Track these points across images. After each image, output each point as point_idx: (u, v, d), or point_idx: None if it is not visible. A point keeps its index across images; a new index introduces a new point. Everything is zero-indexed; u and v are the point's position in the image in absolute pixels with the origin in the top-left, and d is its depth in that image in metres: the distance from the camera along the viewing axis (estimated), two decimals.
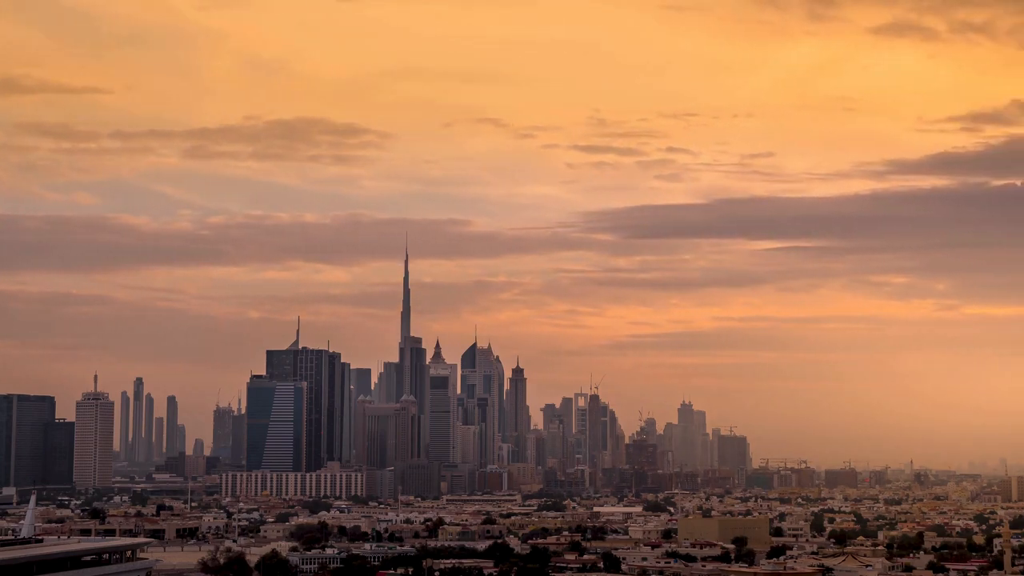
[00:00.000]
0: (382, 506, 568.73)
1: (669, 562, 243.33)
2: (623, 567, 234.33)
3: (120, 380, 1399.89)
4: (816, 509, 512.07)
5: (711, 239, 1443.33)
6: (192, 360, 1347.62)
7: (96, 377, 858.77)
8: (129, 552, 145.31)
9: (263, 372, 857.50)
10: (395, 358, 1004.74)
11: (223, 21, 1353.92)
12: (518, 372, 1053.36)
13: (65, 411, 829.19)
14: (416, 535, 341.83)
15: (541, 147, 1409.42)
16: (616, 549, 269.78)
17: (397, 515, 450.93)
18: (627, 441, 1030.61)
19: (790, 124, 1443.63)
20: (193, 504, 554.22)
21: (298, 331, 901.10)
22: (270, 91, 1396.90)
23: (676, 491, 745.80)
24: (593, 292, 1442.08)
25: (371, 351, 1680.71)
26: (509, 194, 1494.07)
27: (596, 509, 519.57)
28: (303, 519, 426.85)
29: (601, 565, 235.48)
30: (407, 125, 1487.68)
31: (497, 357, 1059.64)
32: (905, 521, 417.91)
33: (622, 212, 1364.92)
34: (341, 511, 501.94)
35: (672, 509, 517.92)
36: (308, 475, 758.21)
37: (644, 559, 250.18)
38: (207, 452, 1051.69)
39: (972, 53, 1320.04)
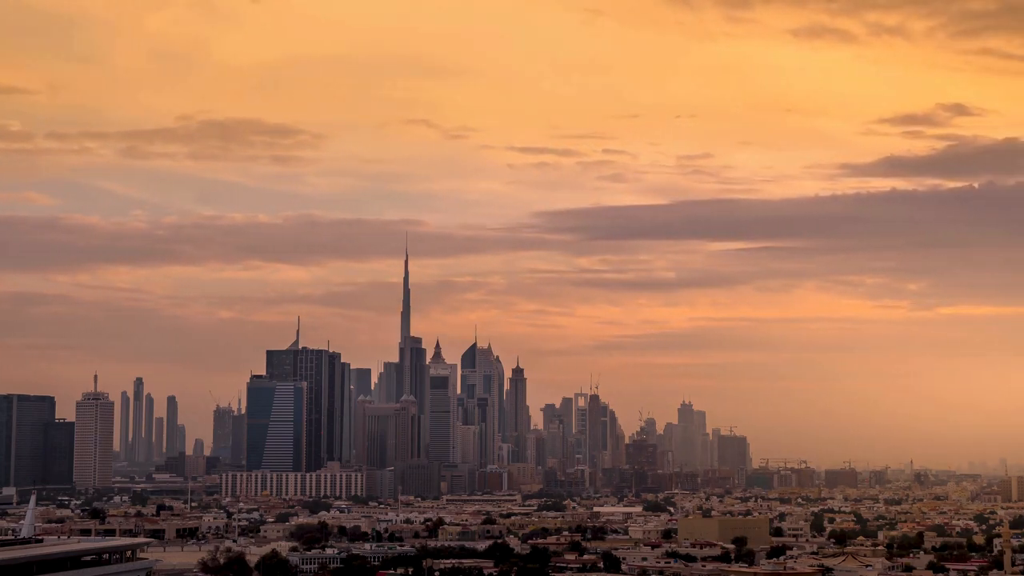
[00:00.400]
0: (382, 506, 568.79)
1: (669, 562, 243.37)
2: (623, 567, 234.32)
3: (120, 380, 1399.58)
4: (816, 509, 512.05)
5: (671, 240, 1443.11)
6: (168, 361, 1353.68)
7: (96, 377, 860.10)
8: (129, 552, 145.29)
9: (263, 372, 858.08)
10: (389, 358, 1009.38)
11: (132, 9, 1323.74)
12: (518, 372, 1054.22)
13: (65, 411, 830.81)
14: (416, 535, 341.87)
15: (478, 147, 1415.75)
16: (616, 549, 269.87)
17: (397, 515, 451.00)
18: (627, 441, 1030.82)
19: (730, 125, 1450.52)
20: (193, 504, 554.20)
21: (298, 331, 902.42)
22: (194, 87, 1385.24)
23: (676, 491, 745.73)
24: (561, 292, 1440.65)
25: (366, 351, 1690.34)
26: (458, 193, 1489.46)
27: (596, 509, 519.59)
28: (303, 519, 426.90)
29: (601, 565, 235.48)
30: (340, 123, 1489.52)
31: (497, 357, 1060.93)
32: (905, 521, 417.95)
33: (580, 212, 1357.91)
34: (341, 511, 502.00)
35: (672, 509, 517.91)
36: (308, 475, 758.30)
37: (644, 559, 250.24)
38: (207, 452, 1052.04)
39: (893, 55, 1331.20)
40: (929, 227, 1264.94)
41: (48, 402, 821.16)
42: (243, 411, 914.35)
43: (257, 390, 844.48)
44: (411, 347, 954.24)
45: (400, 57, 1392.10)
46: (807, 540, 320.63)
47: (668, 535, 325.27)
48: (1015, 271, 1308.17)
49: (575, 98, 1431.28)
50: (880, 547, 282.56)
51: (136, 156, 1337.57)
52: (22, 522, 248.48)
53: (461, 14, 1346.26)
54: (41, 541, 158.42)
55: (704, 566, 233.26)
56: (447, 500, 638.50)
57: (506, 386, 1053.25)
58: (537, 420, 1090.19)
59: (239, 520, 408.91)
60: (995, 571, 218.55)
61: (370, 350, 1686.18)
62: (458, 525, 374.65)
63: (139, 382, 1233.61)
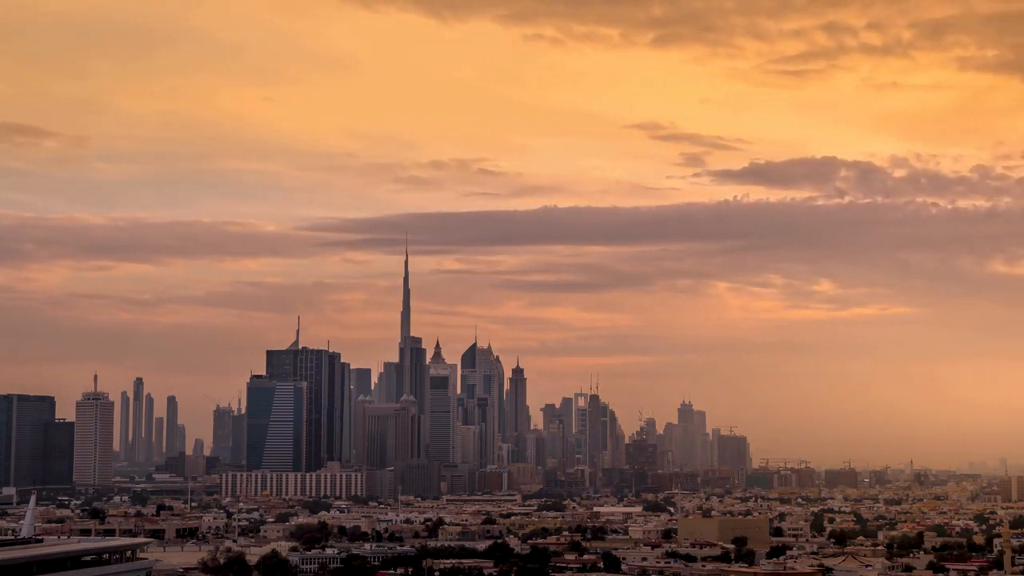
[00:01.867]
0: (382, 506, 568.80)
1: (669, 562, 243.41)
2: (623, 567, 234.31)
3: (119, 381, 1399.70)
4: (816, 509, 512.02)
5: (537, 244, 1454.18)
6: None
7: (96, 377, 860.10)
8: (129, 552, 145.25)
9: (263, 372, 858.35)
10: (386, 359, 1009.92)
11: None
12: (518, 372, 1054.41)
13: (65, 411, 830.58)
14: (416, 535, 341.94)
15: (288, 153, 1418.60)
16: (616, 549, 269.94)
17: (397, 515, 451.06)
18: (627, 441, 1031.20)
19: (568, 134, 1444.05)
20: (193, 504, 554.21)
21: (298, 331, 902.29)
22: None
23: (676, 491, 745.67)
24: (448, 292, 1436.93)
25: (366, 351, 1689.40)
26: (291, 194, 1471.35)
27: (596, 509, 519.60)
28: (303, 519, 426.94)
29: (601, 565, 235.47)
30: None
31: (497, 357, 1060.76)
32: (905, 521, 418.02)
33: (440, 217, 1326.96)
34: (341, 511, 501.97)
35: (672, 509, 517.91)
36: (308, 475, 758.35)
37: (644, 559, 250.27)
38: (207, 452, 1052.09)
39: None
40: (825, 231, 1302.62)
41: (48, 402, 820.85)
42: (243, 411, 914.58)
43: (257, 390, 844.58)
44: (411, 347, 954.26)
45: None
46: (807, 540, 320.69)
47: (668, 535, 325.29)
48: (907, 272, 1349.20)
49: (386, 107, 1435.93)
50: (880, 547, 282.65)
51: None
52: (22, 522, 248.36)
53: None
54: (41, 541, 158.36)
55: (704, 566, 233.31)
56: (447, 500, 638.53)
57: (506, 386, 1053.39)
58: (537, 420, 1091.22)
59: (239, 520, 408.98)
60: (995, 571, 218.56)
61: (370, 350, 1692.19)
62: (458, 525, 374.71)
63: (139, 382, 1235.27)
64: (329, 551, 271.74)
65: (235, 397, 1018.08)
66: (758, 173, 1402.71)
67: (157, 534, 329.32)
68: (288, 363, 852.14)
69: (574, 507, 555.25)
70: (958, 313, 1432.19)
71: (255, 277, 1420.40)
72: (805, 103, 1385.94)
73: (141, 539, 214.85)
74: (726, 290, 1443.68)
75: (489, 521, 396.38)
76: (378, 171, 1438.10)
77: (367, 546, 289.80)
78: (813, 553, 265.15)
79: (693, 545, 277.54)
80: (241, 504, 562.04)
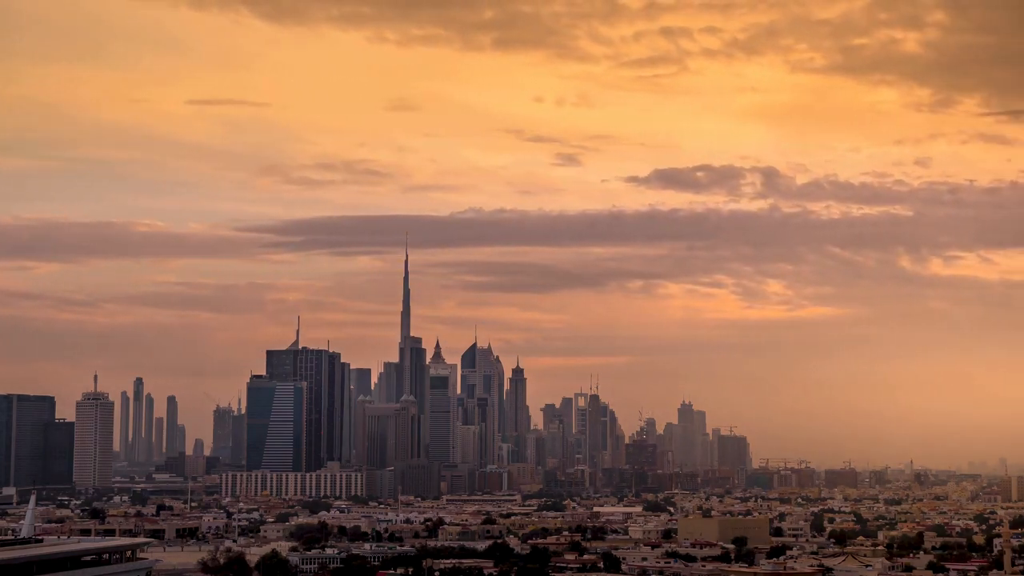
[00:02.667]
0: (382, 506, 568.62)
1: (669, 562, 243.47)
2: (623, 567, 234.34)
3: (119, 380, 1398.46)
4: (816, 509, 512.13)
5: (489, 247, 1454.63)
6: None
7: (96, 377, 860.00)
8: (129, 552, 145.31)
9: (263, 372, 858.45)
10: (386, 359, 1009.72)
11: None
12: (518, 372, 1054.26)
13: (65, 411, 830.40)
14: (416, 535, 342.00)
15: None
16: (616, 549, 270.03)
17: (397, 515, 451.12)
18: (627, 441, 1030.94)
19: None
20: (193, 504, 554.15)
21: (298, 331, 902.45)
22: None
23: (676, 491, 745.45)
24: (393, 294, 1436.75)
25: (366, 351, 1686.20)
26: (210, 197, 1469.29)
27: (596, 509, 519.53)
28: (303, 519, 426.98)
29: (601, 565, 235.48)
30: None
31: (497, 357, 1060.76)
32: (905, 521, 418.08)
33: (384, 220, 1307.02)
34: (341, 511, 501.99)
35: (672, 509, 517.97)
36: (308, 475, 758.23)
37: (644, 559, 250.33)
38: (207, 452, 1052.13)
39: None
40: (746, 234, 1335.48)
41: (48, 402, 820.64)
42: (243, 411, 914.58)
43: (257, 390, 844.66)
44: (411, 347, 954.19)
45: None
46: (807, 540, 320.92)
47: (668, 535, 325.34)
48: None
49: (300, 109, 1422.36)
50: (880, 547, 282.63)
51: None
52: (22, 522, 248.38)
53: None
54: (41, 541, 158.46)
55: (704, 566, 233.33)
56: (447, 500, 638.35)
57: (506, 386, 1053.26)
58: (537, 420, 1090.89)
59: (239, 520, 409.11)
60: (995, 571, 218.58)
61: (370, 350, 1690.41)
62: (458, 525, 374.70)
63: (139, 382, 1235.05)
64: (329, 551, 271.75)
65: (235, 397, 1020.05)
66: (666, 178, 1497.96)
67: (157, 534, 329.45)
68: (288, 363, 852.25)
69: (574, 507, 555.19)
70: (909, 311, 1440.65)
71: (186, 276, 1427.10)
72: (668, 105, 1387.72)
73: (141, 539, 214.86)
74: (685, 291, 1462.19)
75: (489, 521, 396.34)
76: (267, 171, 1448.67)
77: (367, 546, 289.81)
78: (813, 553, 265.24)
79: (693, 545, 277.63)
80: (241, 504, 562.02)
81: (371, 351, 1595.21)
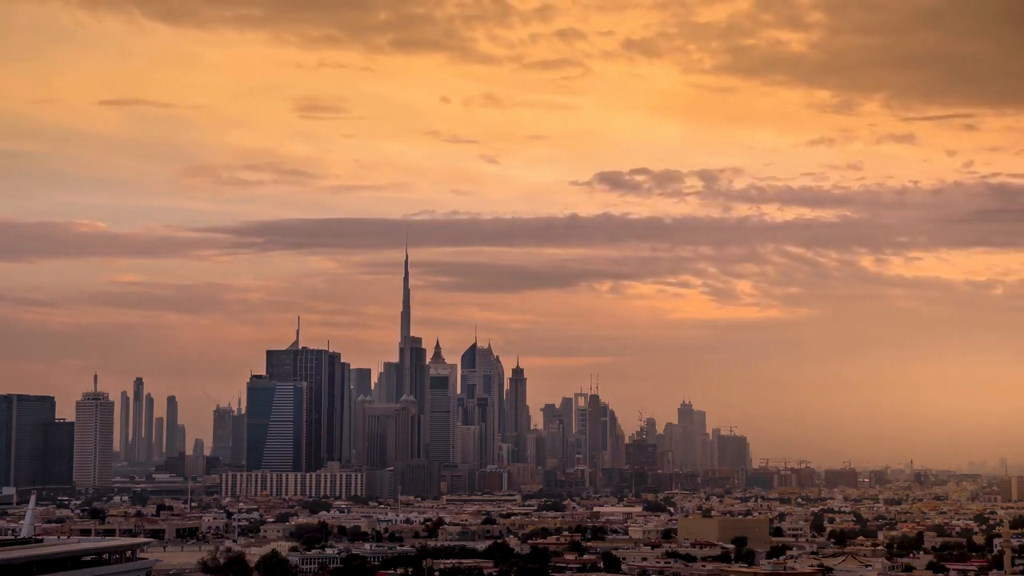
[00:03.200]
0: (382, 506, 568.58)
1: (669, 562, 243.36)
2: (623, 567, 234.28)
3: (119, 380, 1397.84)
4: (816, 509, 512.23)
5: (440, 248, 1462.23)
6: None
7: (96, 377, 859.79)
8: (129, 552, 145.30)
9: (263, 372, 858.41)
10: (386, 359, 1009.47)
11: None
12: (518, 372, 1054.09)
13: (65, 411, 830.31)
14: (416, 535, 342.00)
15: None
16: (616, 549, 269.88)
17: (397, 515, 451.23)
18: (627, 441, 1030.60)
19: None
20: (193, 504, 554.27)
21: (298, 331, 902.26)
22: None
23: (676, 491, 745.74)
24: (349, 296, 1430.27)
25: (366, 351, 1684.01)
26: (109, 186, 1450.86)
27: (596, 509, 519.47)
28: (303, 519, 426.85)
29: (601, 565, 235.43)
30: None
31: (497, 357, 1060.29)
32: (905, 521, 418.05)
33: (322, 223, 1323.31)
34: (341, 511, 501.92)
35: (672, 509, 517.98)
36: (308, 475, 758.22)
37: (644, 559, 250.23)
38: (207, 452, 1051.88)
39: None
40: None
41: (48, 402, 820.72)
42: (243, 411, 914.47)
43: (257, 390, 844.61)
44: (411, 347, 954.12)
45: None
46: (807, 540, 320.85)
47: (668, 535, 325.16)
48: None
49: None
50: (880, 547, 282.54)
51: None
52: (22, 522, 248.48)
53: None
54: (41, 541, 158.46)
55: (704, 566, 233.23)
56: (447, 500, 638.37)
57: (506, 386, 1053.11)
58: (537, 420, 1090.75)
59: (239, 520, 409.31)
60: (995, 571, 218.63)
61: (370, 350, 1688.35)
62: (458, 525, 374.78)
63: (139, 382, 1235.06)
64: (329, 551, 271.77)
65: (235, 397, 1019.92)
66: (610, 180, 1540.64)
67: (157, 534, 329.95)
68: (288, 363, 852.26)
69: (574, 507, 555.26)
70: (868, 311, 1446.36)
71: (143, 276, 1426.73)
72: (581, 107, 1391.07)
73: (141, 539, 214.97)
74: (656, 291, 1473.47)
75: (489, 521, 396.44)
76: (195, 171, 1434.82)
77: (367, 546, 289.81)
78: (813, 553, 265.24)
79: (693, 545, 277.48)
80: (241, 504, 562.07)
81: (371, 351, 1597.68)
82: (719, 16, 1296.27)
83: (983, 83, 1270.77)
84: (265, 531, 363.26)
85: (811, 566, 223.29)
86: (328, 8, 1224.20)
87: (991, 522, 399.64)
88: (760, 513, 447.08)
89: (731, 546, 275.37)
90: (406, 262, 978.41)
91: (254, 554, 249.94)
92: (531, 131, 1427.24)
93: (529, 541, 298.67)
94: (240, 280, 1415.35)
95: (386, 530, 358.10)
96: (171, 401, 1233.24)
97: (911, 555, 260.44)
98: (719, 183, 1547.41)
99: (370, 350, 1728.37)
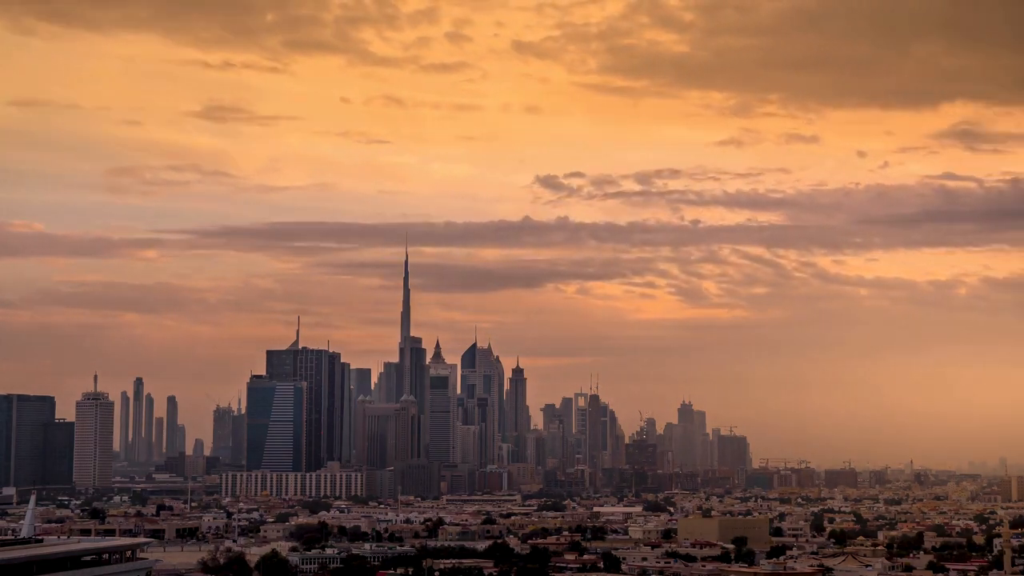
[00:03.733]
0: (382, 506, 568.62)
1: (669, 562, 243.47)
2: (623, 567, 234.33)
3: (119, 380, 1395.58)
4: (816, 509, 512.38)
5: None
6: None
7: (96, 377, 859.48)
8: (129, 552, 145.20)
9: (263, 372, 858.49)
10: (389, 358, 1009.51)
11: None
12: (518, 372, 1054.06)
13: (65, 411, 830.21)
14: (416, 535, 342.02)
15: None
16: (616, 549, 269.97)
17: (397, 515, 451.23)
18: (627, 441, 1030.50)
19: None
20: (193, 504, 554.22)
21: (298, 331, 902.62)
22: None
23: (676, 491, 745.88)
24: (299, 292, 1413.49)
25: (366, 351, 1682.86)
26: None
27: (596, 509, 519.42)
28: (303, 519, 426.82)
29: (601, 565, 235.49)
30: None
31: (497, 357, 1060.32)
32: (905, 521, 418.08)
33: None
34: (341, 511, 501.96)
35: (672, 509, 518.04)
36: (308, 475, 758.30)
37: (644, 559, 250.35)
38: (207, 452, 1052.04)
39: None
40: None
41: (48, 402, 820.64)
42: (243, 411, 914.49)
43: (257, 390, 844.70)
44: (411, 347, 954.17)
45: None
46: (807, 540, 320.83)
47: (668, 535, 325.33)
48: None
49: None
50: (880, 547, 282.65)
51: None
52: (22, 522, 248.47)
53: None
54: (41, 541, 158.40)
55: (704, 566, 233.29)
56: (447, 500, 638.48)
57: (506, 386, 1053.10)
58: (537, 420, 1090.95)
59: (239, 520, 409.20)
60: (995, 571, 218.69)
61: (370, 350, 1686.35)
62: (458, 525, 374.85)
63: (139, 382, 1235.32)
64: (329, 551, 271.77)
65: (235, 397, 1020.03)
66: (549, 184, 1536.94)
67: (157, 534, 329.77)
68: (288, 363, 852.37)
69: (574, 507, 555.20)
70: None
71: (96, 276, 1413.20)
72: (486, 107, 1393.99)
73: (141, 539, 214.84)
74: (623, 291, 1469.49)
75: (489, 521, 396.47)
76: (120, 172, 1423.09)
77: (367, 546, 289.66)
78: (813, 553, 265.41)
79: (693, 545, 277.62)
80: (241, 504, 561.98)
81: (371, 351, 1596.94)
82: (596, 18, 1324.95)
83: (876, 84, 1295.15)
84: (265, 531, 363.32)
85: (811, 566, 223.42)
86: (211, 10, 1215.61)
87: (991, 522, 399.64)
88: (760, 513, 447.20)
89: (731, 546, 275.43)
90: (406, 262, 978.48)
91: (254, 554, 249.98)
92: (445, 132, 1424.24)
93: (529, 541, 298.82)
94: (193, 280, 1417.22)
95: (386, 530, 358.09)
96: (171, 401, 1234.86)
97: (911, 555, 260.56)
98: (656, 185, 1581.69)
99: (368, 351, 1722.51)
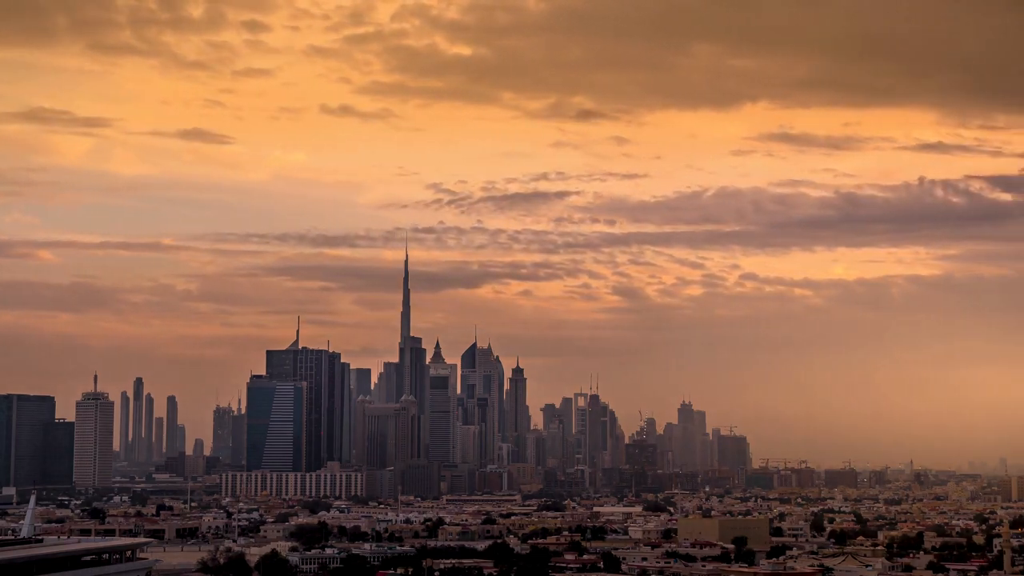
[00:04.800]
0: (382, 506, 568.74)
1: (669, 562, 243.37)
2: (623, 567, 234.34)
3: (120, 380, 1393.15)
4: (816, 509, 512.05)
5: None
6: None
7: (96, 377, 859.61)
8: (129, 552, 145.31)
9: (263, 372, 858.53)
10: (389, 358, 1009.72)
11: None
12: (518, 372, 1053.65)
13: (65, 411, 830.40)
14: (416, 535, 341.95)
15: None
16: (616, 549, 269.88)
17: (397, 515, 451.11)
18: (627, 441, 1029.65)
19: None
20: (193, 504, 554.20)
21: (298, 331, 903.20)
22: None
23: (676, 491, 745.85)
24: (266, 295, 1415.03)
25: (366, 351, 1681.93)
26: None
27: (596, 509, 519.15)
28: (303, 519, 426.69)
29: (601, 565, 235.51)
30: None
31: (497, 357, 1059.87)
32: (905, 521, 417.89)
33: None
34: (341, 511, 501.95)
35: (672, 509, 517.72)
36: (308, 475, 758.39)
37: (644, 559, 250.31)
38: (207, 452, 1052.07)
39: None
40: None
41: (48, 402, 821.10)
42: (243, 411, 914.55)
43: (257, 390, 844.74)
44: (411, 347, 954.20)
45: None
46: (807, 540, 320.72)
47: (668, 535, 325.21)
48: None
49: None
50: (880, 547, 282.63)
51: None
52: (22, 522, 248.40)
53: None
54: (41, 541, 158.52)
55: (704, 566, 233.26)
56: (447, 500, 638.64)
57: (506, 386, 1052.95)
58: (537, 420, 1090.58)
59: (239, 520, 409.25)
60: (995, 571, 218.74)
61: (370, 350, 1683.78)
62: (458, 525, 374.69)
63: (139, 382, 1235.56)
64: (329, 551, 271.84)
65: (235, 397, 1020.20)
66: (452, 203, 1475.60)
67: (157, 534, 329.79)
68: (288, 363, 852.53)
69: (574, 507, 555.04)
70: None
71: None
72: (311, 115, 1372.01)
73: (141, 539, 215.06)
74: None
75: (489, 521, 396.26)
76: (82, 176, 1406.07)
77: (367, 546, 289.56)
78: (813, 553, 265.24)
79: (693, 545, 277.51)
80: (241, 504, 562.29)
81: (371, 351, 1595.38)
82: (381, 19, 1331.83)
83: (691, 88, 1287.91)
84: (265, 531, 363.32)
85: (811, 566, 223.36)
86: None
87: (991, 522, 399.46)
88: (760, 513, 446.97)
89: (731, 546, 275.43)
90: (406, 262, 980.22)
91: (254, 554, 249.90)
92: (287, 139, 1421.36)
93: (529, 541, 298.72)
94: (110, 281, 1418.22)
95: (386, 530, 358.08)
96: (171, 401, 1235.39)
97: (911, 555, 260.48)
98: (557, 191, 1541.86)
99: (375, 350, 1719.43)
